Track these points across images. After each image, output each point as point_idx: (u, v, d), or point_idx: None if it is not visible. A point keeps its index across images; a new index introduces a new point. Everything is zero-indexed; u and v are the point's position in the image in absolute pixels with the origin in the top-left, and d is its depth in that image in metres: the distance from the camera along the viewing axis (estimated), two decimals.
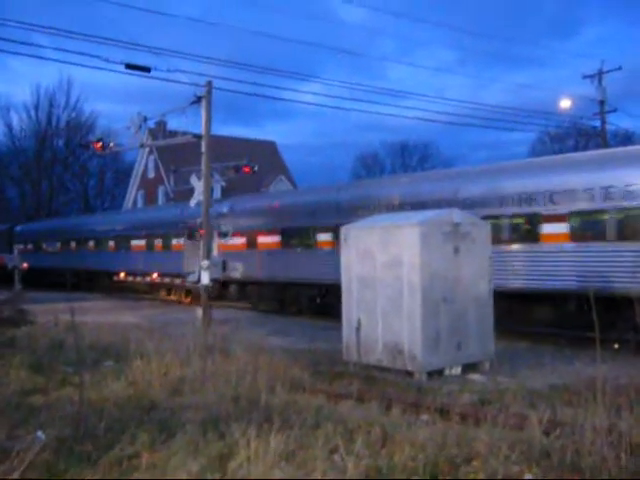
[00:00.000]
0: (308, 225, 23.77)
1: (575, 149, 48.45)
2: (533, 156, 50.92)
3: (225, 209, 29.50)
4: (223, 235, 26.27)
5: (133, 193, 60.73)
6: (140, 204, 58.47)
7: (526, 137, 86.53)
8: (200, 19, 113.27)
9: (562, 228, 16.49)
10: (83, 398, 8.34)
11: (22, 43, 18.91)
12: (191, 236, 28.65)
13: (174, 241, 30.99)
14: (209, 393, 9.22)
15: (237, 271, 26.15)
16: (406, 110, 48.47)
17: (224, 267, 22.98)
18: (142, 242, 34.49)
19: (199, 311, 19.48)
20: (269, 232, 25.77)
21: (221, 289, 26.66)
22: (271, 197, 31.80)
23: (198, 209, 31.90)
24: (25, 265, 38.65)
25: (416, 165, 74.96)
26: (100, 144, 24.55)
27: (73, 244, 42.38)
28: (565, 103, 36.27)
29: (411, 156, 77.54)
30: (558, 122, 40.39)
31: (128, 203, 61.22)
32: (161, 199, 54.76)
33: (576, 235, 16.31)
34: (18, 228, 51.84)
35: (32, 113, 72.40)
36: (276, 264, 24.76)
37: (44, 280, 40.89)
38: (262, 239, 26.02)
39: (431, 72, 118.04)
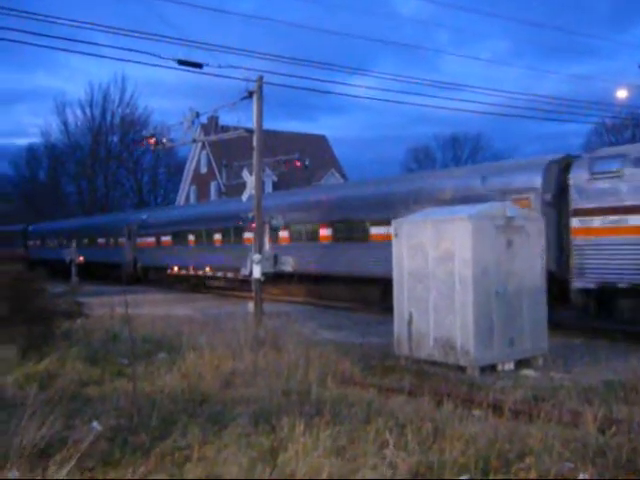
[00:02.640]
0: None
1: (632, 140, 47.36)
2: (589, 147, 49.97)
3: (144, 216, 40.32)
4: (274, 229, 26.35)
5: (186, 188, 61.44)
6: (193, 199, 59.11)
7: (582, 128, 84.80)
8: (254, 15, 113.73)
9: None
10: (136, 390, 8.48)
11: (78, 41, 19.16)
12: (130, 237, 40.03)
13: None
14: (260, 387, 9.28)
15: (288, 265, 26.20)
16: (459, 102, 47.95)
17: (275, 261, 23.04)
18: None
19: (251, 304, 19.61)
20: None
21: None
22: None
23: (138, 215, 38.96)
24: (81, 258, 39.46)
25: (467, 158, 74.31)
26: (153, 140, 24.89)
27: (65, 241, 48.99)
28: (622, 93, 35.44)
29: (462, 148, 76.91)
30: (615, 113, 39.51)
31: (181, 198, 61.96)
32: (213, 194, 55.27)
33: None
34: (31, 228, 59.47)
35: (87, 110, 73.87)
36: None
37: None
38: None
39: (486, 64, 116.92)
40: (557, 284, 16.73)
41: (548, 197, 17.81)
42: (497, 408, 8.37)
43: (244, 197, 22.09)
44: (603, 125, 53.41)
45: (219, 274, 31.94)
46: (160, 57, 18.56)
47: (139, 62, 21.88)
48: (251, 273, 19.75)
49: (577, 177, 17.17)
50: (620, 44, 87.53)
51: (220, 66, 19.36)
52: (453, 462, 5.88)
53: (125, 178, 77.27)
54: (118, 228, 41.91)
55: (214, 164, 53.50)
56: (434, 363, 12.52)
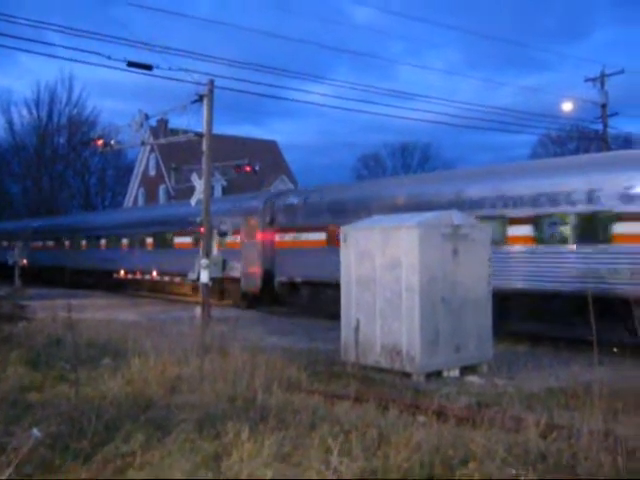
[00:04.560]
0: None
1: (576, 152, 48.39)
2: (535, 157, 50.98)
3: (36, 224, 48.49)
4: (223, 234, 26.28)
5: (134, 191, 60.68)
6: (141, 202, 58.43)
7: (528, 139, 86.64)
8: (208, 19, 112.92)
9: None
10: (79, 395, 8.33)
11: (26, 39, 18.84)
12: (26, 241, 44.29)
13: None
14: (206, 392, 9.20)
15: (236, 270, 26.17)
16: (411, 112, 48.41)
17: (224, 266, 22.94)
18: None
19: (198, 309, 19.47)
20: None
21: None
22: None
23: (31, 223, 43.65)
24: (25, 261, 38.75)
25: (417, 166, 75.03)
26: (101, 141, 24.57)
27: None
28: (567, 106, 36.21)
29: (412, 157, 77.60)
30: (561, 125, 40.38)
31: (129, 201, 61.17)
32: (162, 197, 54.71)
33: None
34: None
35: (33, 109, 72.36)
36: None
37: None
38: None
39: (440, 74, 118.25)
40: (270, 278, 25.30)
41: (267, 219, 25.85)
42: (442, 414, 8.44)
43: (193, 201, 21.96)
44: (548, 137, 54.50)
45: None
46: (109, 58, 18.35)
47: (88, 62, 21.59)
48: (198, 278, 19.62)
49: (279, 206, 25.61)
50: (572, 57, 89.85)
51: (170, 68, 19.24)
52: (397, 468, 5.91)
53: (72, 179, 75.85)
54: (18, 234, 48.13)
55: (163, 167, 52.90)
56: (380, 369, 12.58)
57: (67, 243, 43.25)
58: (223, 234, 25.94)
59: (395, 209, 18.90)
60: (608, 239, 15.48)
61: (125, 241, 36.31)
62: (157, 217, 35.12)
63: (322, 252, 22.85)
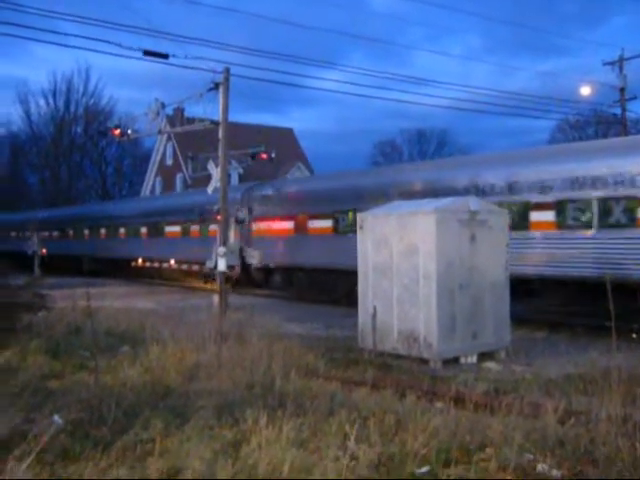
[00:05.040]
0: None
1: (595, 137, 47.94)
2: (554, 143, 50.55)
3: (45, 215, 49.50)
4: (240, 222, 26.37)
5: (151, 180, 60.84)
6: (158, 191, 58.60)
7: (546, 125, 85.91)
8: (224, 7, 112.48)
9: None
10: (98, 383, 8.41)
11: (42, 29, 18.90)
12: (37, 231, 44.80)
13: None
14: (224, 379, 9.24)
15: (254, 258, 26.32)
16: (427, 97, 48.10)
17: (241, 254, 23.04)
18: None
19: (215, 297, 19.52)
20: None
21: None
22: None
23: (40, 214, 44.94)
24: (44, 251, 39.06)
25: (434, 152, 74.66)
26: (118, 131, 24.63)
27: None
28: (585, 90, 35.87)
29: (428, 143, 77.22)
30: (579, 110, 40.03)
31: (146, 190, 61.36)
32: (179, 186, 54.84)
33: None
34: None
35: (50, 99, 72.70)
36: None
37: None
38: None
39: (458, 59, 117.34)
40: (249, 264, 26.25)
41: (246, 209, 26.83)
42: (459, 400, 8.45)
43: (209, 189, 21.98)
44: (566, 121, 54.00)
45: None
46: (126, 47, 18.38)
47: (105, 52, 21.61)
48: (216, 266, 19.67)
49: (254, 197, 27.75)
50: (590, 42, 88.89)
51: (187, 57, 19.25)
52: (415, 454, 5.92)
53: (89, 169, 76.22)
54: (28, 224, 49.74)
55: (180, 156, 53.01)
56: (398, 356, 12.59)
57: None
58: (241, 221, 26.01)
59: (354, 201, 20.28)
60: None
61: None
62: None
63: (292, 240, 25.44)
